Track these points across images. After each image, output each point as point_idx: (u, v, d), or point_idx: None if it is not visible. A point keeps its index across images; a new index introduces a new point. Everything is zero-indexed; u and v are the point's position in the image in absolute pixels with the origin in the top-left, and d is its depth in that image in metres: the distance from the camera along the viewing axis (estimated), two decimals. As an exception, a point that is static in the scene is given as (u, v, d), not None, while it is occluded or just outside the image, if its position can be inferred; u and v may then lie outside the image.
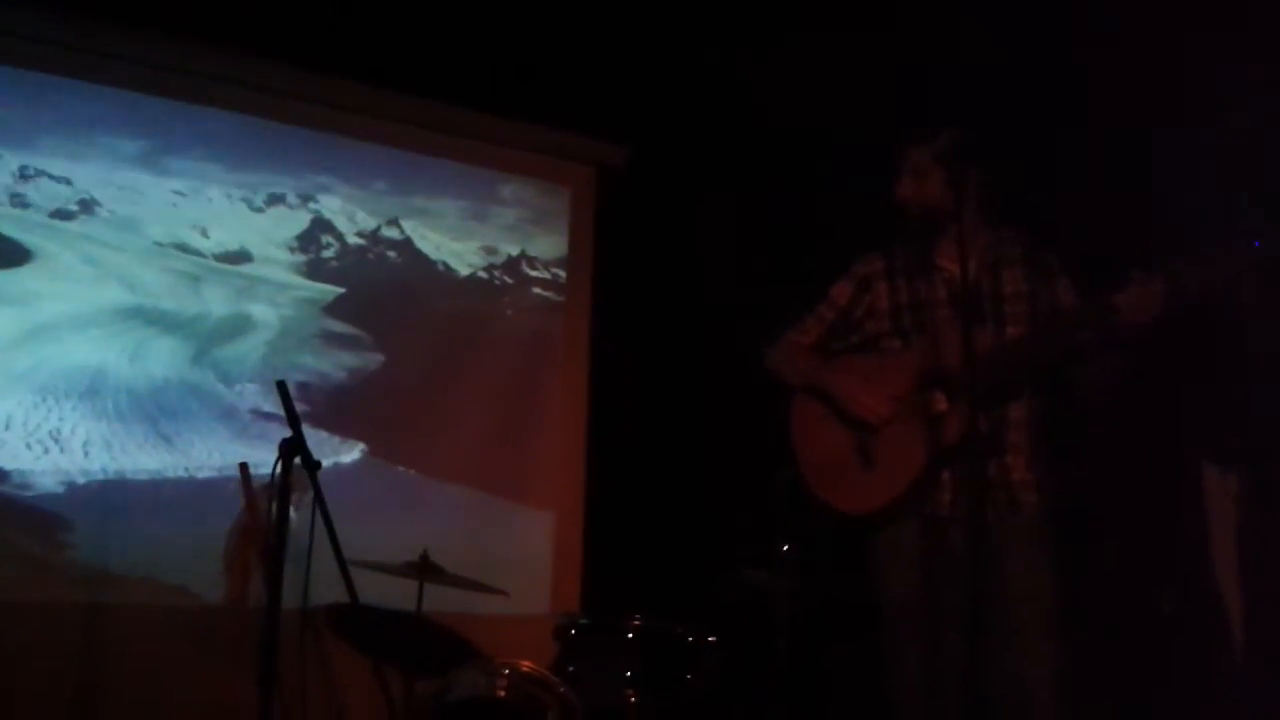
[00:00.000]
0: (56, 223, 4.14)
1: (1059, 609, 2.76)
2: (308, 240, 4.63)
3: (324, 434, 4.42)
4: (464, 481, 4.70)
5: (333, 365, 4.58)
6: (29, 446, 3.93)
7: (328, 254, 4.67)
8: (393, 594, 3.33)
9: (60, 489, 3.96)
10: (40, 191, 4.12)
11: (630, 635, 3.22)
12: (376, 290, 4.74)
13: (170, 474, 4.14)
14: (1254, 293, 3.37)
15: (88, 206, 4.21)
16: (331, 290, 4.65)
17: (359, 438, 4.53)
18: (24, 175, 4.10)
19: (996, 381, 2.76)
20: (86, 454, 4.01)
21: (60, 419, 4.00)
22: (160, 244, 4.33)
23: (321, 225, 4.66)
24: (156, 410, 4.18)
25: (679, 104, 4.87)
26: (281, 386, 2.83)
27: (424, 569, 3.31)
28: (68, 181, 4.17)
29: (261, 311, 4.48)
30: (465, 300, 4.94)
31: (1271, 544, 3.53)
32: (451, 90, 4.69)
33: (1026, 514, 2.83)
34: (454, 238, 4.93)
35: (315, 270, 4.63)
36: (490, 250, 5.01)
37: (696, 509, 4.53)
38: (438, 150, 4.89)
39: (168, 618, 3.95)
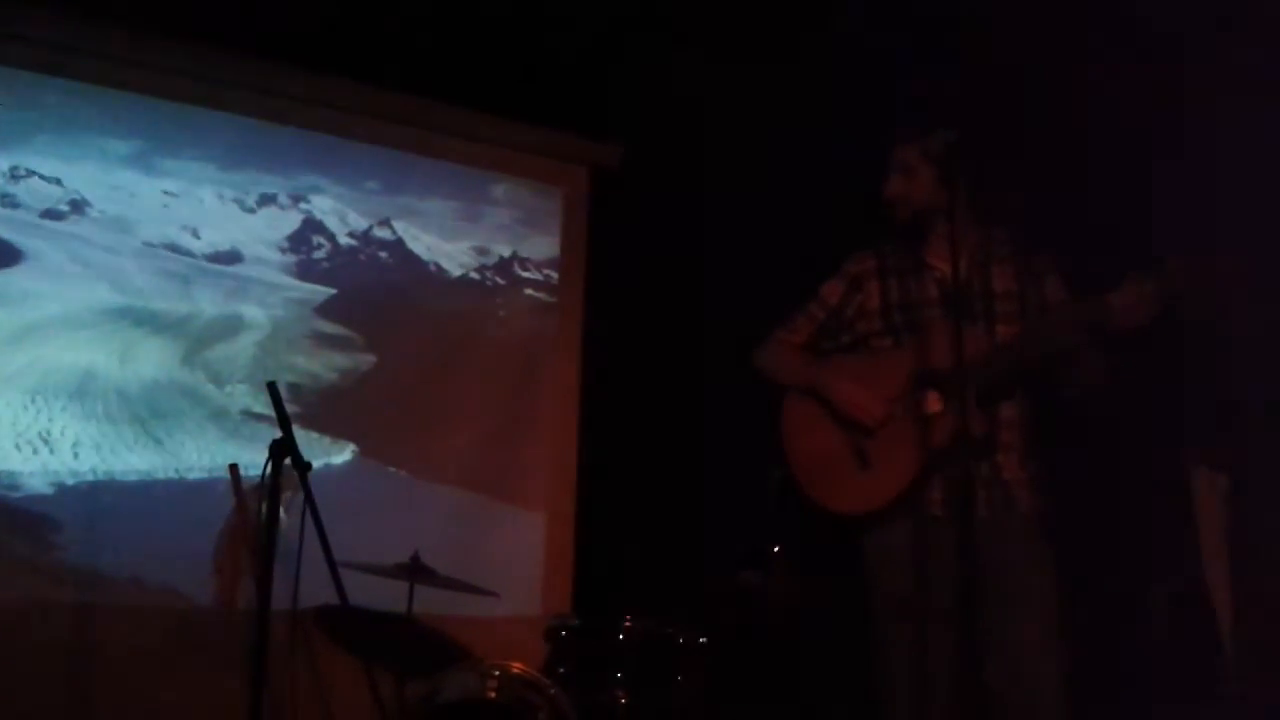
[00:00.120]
0: (47, 223, 4.13)
1: (1055, 607, 2.76)
2: (299, 241, 4.62)
3: (315, 435, 4.41)
4: (455, 483, 4.70)
5: (324, 366, 4.57)
6: (18, 447, 3.91)
7: (319, 254, 4.66)
8: (383, 595, 3.33)
9: (49, 490, 3.95)
10: (31, 191, 4.11)
11: (621, 636, 3.22)
12: (368, 291, 4.73)
13: (160, 475, 4.13)
14: (1244, 292, 3.38)
15: (78, 207, 4.20)
16: (323, 291, 4.64)
17: (350, 439, 4.53)
18: (14, 175, 4.09)
19: (989, 382, 2.76)
20: (76, 455, 4.00)
21: (50, 420, 3.99)
22: (151, 244, 4.32)
23: (313, 226, 4.65)
24: (146, 411, 4.17)
25: (672, 104, 4.86)
26: (272, 387, 2.83)
27: (414, 570, 3.30)
28: (58, 182, 4.17)
29: (252, 312, 4.47)
30: (457, 301, 4.93)
31: (1261, 544, 3.53)
32: (444, 90, 4.69)
33: (1021, 512, 2.83)
34: (446, 238, 4.93)
35: (306, 271, 4.62)
36: (482, 251, 5.01)
37: (687, 510, 4.53)
38: (430, 150, 4.89)
39: (157, 619, 3.94)
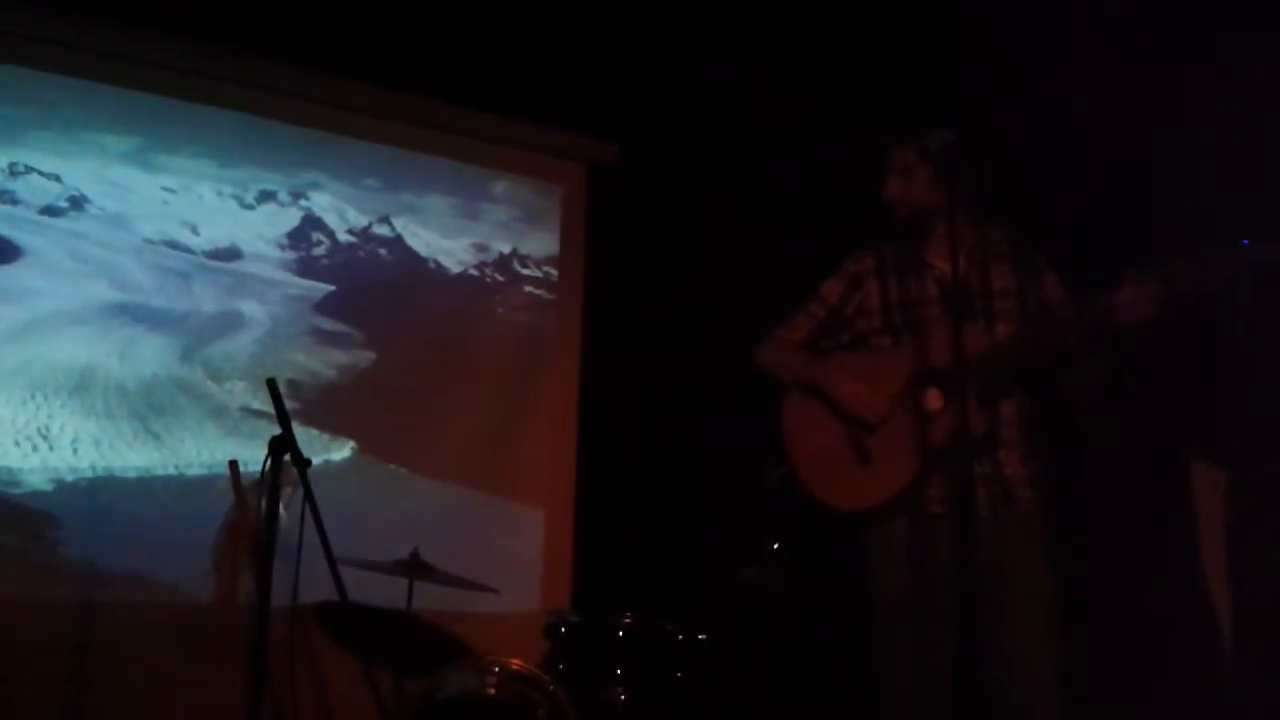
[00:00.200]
0: (46, 219, 4.13)
1: (1055, 605, 2.77)
2: (298, 237, 4.62)
3: (314, 432, 4.41)
4: (454, 479, 4.70)
5: (323, 363, 4.57)
6: (17, 444, 3.91)
7: (318, 251, 4.66)
8: (383, 592, 3.33)
9: (49, 486, 3.94)
10: (30, 188, 4.11)
11: (621, 633, 3.22)
12: (367, 288, 4.73)
13: (159, 471, 4.13)
14: (1245, 291, 3.38)
15: (77, 203, 4.20)
16: (322, 288, 4.64)
17: (349, 435, 4.53)
18: (13, 172, 4.09)
19: (991, 379, 2.76)
20: (75, 451, 4.00)
21: (49, 416, 3.98)
22: (150, 241, 4.32)
23: (312, 222, 4.65)
24: (146, 408, 4.16)
25: (670, 101, 4.87)
26: (271, 384, 2.83)
27: (414, 567, 3.30)
28: (57, 178, 4.16)
29: (252, 309, 4.46)
30: (456, 298, 4.93)
31: (1259, 540, 3.54)
32: (443, 87, 4.69)
33: (1022, 509, 2.83)
34: (445, 235, 4.93)
35: (306, 268, 4.62)
36: (481, 248, 5.00)
37: (687, 507, 4.53)
38: (429, 148, 4.88)
39: (156, 615, 3.94)
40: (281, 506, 2.73)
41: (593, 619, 3.30)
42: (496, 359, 4.90)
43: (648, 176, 4.96)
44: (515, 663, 3.04)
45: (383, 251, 4.80)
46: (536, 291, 5.09)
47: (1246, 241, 2.57)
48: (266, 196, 4.57)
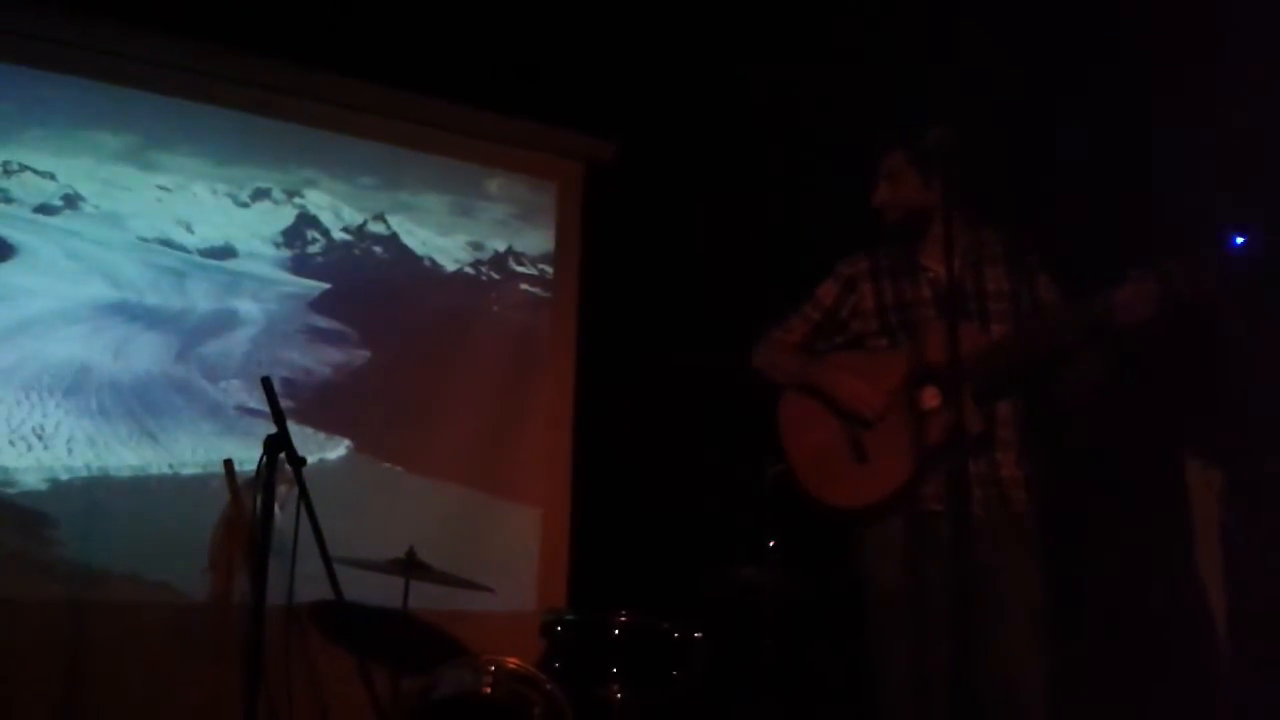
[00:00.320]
0: (40, 218, 4.12)
1: (1047, 606, 2.77)
2: (293, 236, 4.61)
3: (309, 430, 4.41)
4: (450, 478, 4.70)
5: (318, 361, 4.57)
6: (12, 443, 3.90)
7: (313, 249, 4.66)
8: (378, 591, 3.33)
9: (44, 486, 3.94)
10: (24, 186, 4.10)
11: (616, 632, 3.22)
12: (362, 286, 4.72)
13: (154, 470, 4.12)
14: (1240, 290, 3.39)
15: (72, 201, 4.19)
16: (317, 286, 4.63)
17: (344, 434, 4.52)
18: (7, 170, 4.08)
19: (988, 379, 2.76)
20: (70, 450, 3.99)
21: (44, 415, 3.98)
22: (145, 239, 4.31)
23: (307, 220, 4.65)
24: (141, 406, 4.16)
25: (667, 99, 4.86)
26: (266, 383, 2.82)
27: (410, 566, 3.30)
28: (52, 176, 4.15)
29: (247, 307, 4.46)
30: (452, 296, 4.93)
31: (1254, 539, 3.54)
32: (438, 85, 4.68)
33: (1016, 510, 2.84)
34: (440, 233, 4.92)
35: (301, 266, 4.61)
36: (477, 246, 5.00)
37: (683, 505, 4.53)
38: (424, 145, 4.88)
39: (152, 615, 3.94)
40: (277, 505, 2.73)
41: (589, 617, 3.30)
42: (492, 357, 4.90)
43: (644, 174, 4.96)
44: (511, 661, 3.04)
45: (378, 249, 4.79)
46: (532, 289, 5.09)
47: (1242, 238, 2.57)
48: (261, 194, 4.57)
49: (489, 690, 2.98)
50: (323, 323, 4.61)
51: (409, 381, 4.71)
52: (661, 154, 4.92)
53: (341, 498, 4.06)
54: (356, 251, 4.74)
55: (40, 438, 3.95)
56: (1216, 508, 3.63)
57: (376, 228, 4.79)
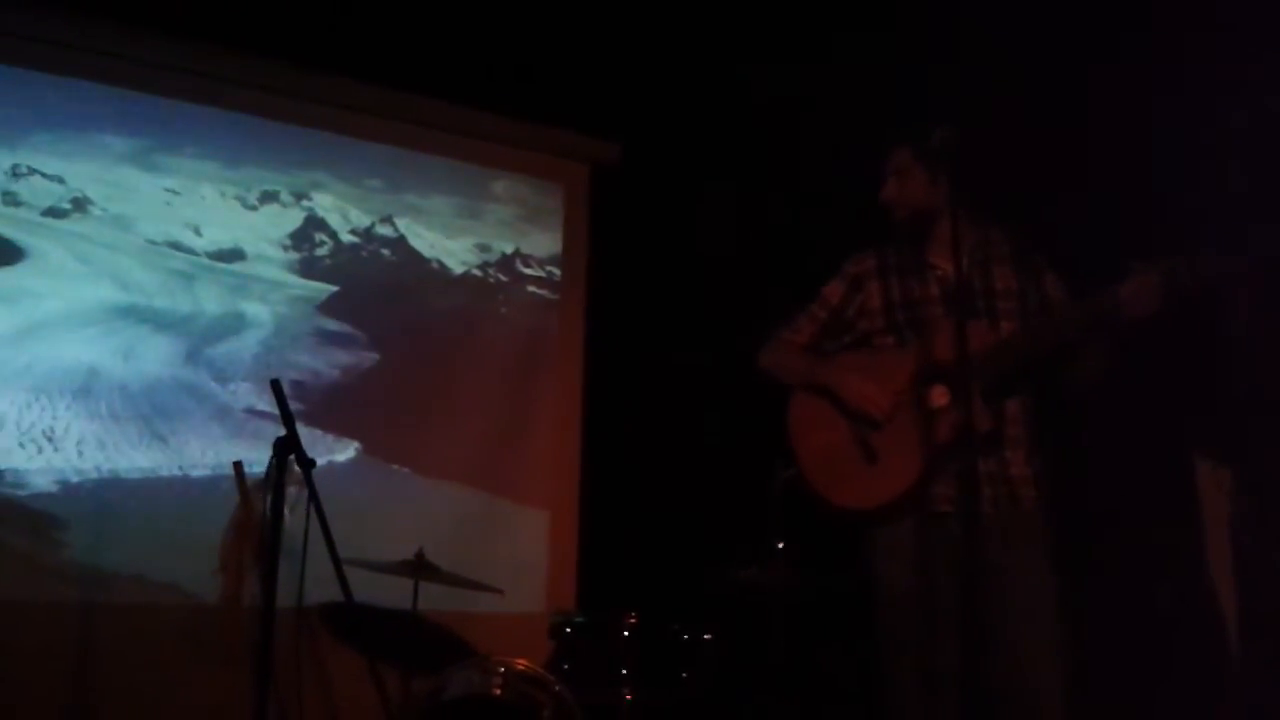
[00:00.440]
0: (49, 221, 4.14)
1: (1057, 605, 2.77)
2: (301, 238, 4.62)
3: (318, 432, 4.42)
4: (459, 479, 4.70)
5: (327, 363, 4.57)
6: (22, 445, 3.92)
7: (321, 252, 4.66)
8: (388, 592, 3.33)
9: (54, 488, 3.95)
10: (33, 189, 4.12)
11: (626, 633, 3.22)
12: (370, 288, 4.73)
13: (164, 473, 4.13)
14: (1250, 288, 3.38)
15: (81, 204, 4.20)
16: (325, 288, 4.64)
17: (353, 436, 4.53)
18: (16, 173, 4.09)
19: (997, 376, 2.76)
20: (80, 453, 4.00)
21: (54, 418, 3.99)
22: (153, 242, 4.32)
23: (315, 223, 4.66)
24: (150, 409, 4.17)
25: (672, 100, 4.87)
26: (276, 385, 2.82)
27: (419, 567, 3.30)
28: (60, 180, 4.17)
29: (255, 310, 4.47)
30: (459, 298, 4.94)
31: (1265, 539, 3.53)
32: (445, 87, 4.69)
33: (1026, 509, 2.83)
34: (448, 235, 4.93)
35: (309, 268, 4.62)
36: (484, 248, 5.01)
37: (691, 507, 4.53)
38: (431, 147, 4.89)
39: (162, 616, 3.95)
40: (286, 507, 2.73)
41: (598, 619, 3.30)
42: (500, 359, 4.91)
43: (650, 175, 4.96)
44: (520, 663, 3.04)
45: (385, 252, 4.80)
46: (539, 291, 5.09)
47: (1249, 239, 2.57)
48: (269, 197, 4.58)
49: (498, 691, 2.98)
50: (331, 325, 4.62)
51: (417, 383, 4.71)
52: (666, 155, 4.92)
53: (351, 500, 4.07)
54: (364, 254, 4.74)
55: (50, 440, 3.97)
56: (1226, 508, 3.62)
57: (384, 230, 4.79)
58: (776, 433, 3.09)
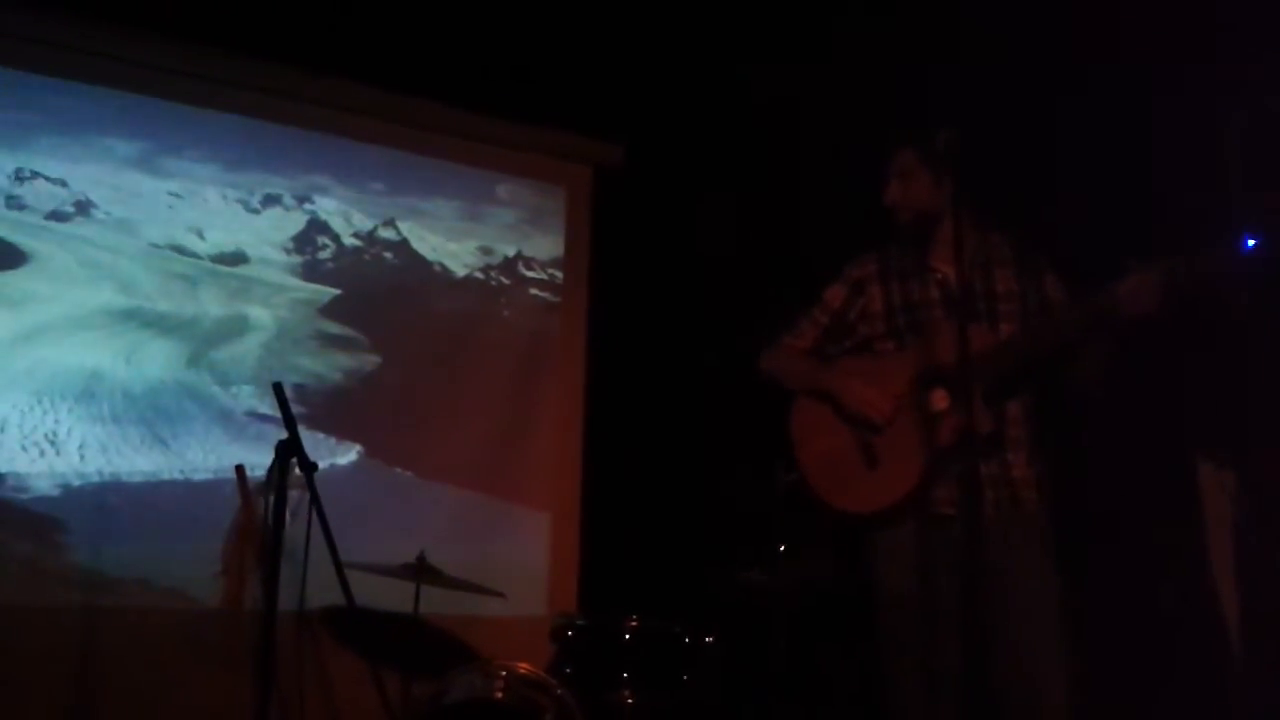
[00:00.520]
0: (52, 224, 4.14)
1: (1060, 607, 2.76)
2: (304, 241, 4.63)
3: (320, 436, 4.42)
4: (461, 483, 4.70)
5: (329, 367, 4.58)
6: (25, 449, 3.92)
7: (324, 255, 4.67)
8: (389, 596, 3.33)
9: (56, 491, 3.95)
10: (36, 193, 4.12)
11: (627, 636, 3.22)
12: (373, 291, 4.74)
13: (166, 476, 4.14)
14: (1251, 290, 3.37)
15: (83, 208, 4.20)
16: (328, 291, 4.64)
17: (355, 439, 4.53)
18: (19, 177, 4.09)
19: (997, 377, 2.76)
20: (82, 456, 4.01)
21: (56, 421, 3.99)
22: (156, 245, 4.33)
23: (318, 226, 4.66)
24: (152, 412, 4.17)
25: (674, 102, 4.87)
26: (278, 388, 2.83)
27: (421, 571, 3.30)
28: (63, 183, 4.17)
29: (258, 313, 4.47)
30: (462, 301, 4.94)
31: (1268, 542, 3.53)
32: (447, 90, 4.70)
33: (1028, 511, 2.83)
34: (450, 238, 4.93)
35: (311, 271, 4.62)
36: (487, 251, 5.01)
37: (693, 509, 4.53)
38: (434, 150, 4.89)
39: (163, 620, 3.95)
40: (288, 511, 2.73)
41: (599, 622, 3.29)
42: (502, 362, 4.91)
43: (652, 178, 4.96)
44: (522, 666, 3.04)
45: (388, 255, 4.80)
46: (542, 294, 5.10)
47: (1254, 240, 2.57)
48: (272, 200, 4.58)
49: (500, 695, 2.98)
50: (333, 328, 4.62)
51: (419, 386, 4.71)
52: (669, 157, 4.92)
53: (353, 503, 4.07)
54: (367, 257, 4.75)
55: (52, 443, 3.97)
56: (1229, 509, 3.62)
57: (386, 233, 4.80)
58: (778, 434, 3.09)
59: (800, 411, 3.07)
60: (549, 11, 4.60)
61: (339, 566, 2.79)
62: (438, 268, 4.90)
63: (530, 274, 5.09)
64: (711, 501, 4.50)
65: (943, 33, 4.24)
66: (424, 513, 4.55)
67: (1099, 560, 3.62)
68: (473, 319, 4.93)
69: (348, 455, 4.51)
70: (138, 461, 4.10)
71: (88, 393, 4.07)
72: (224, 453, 4.20)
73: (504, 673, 3.02)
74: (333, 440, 4.48)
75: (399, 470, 4.63)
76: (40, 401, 3.99)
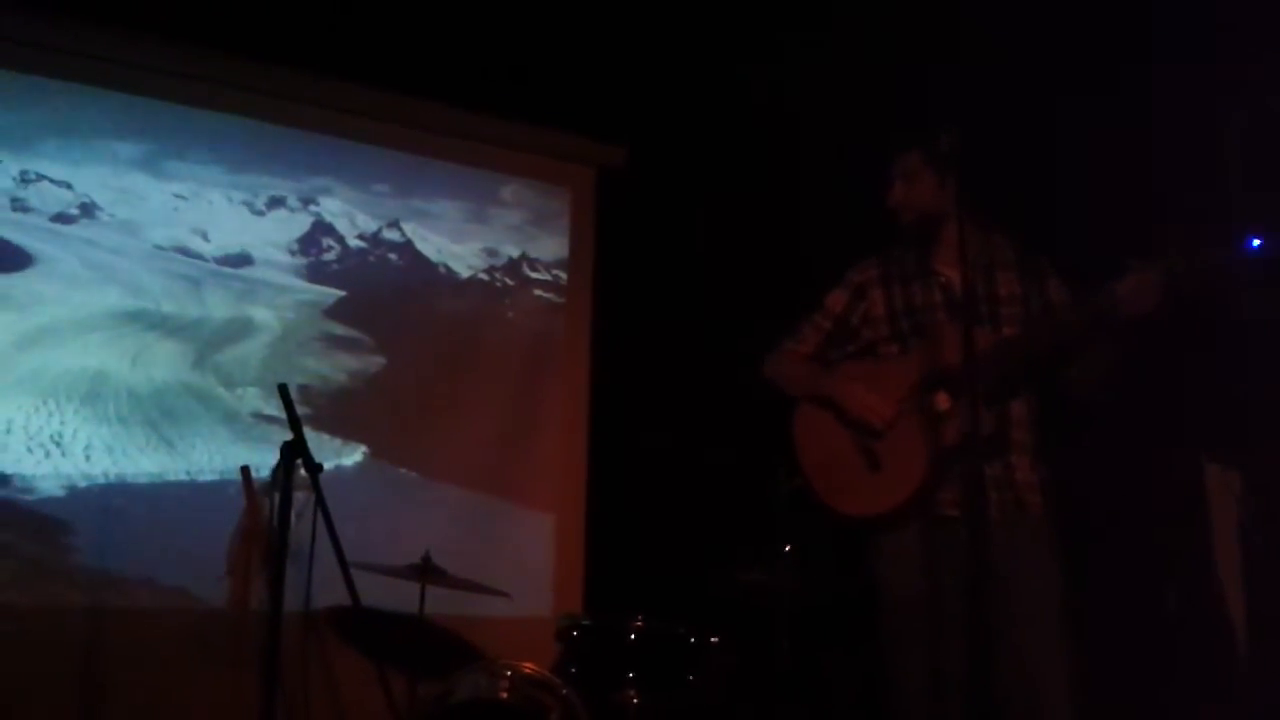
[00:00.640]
0: (57, 227, 4.15)
1: (1065, 610, 2.76)
2: (309, 243, 4.63)
3: (325, 437, 4.42)
4: (466, 483, 4.70)
5: (334, 368, 4.58)
6: (30, 450, 3.93)
7: (329, 257, 4.67)
8: (395, 596, 3.33)
9: (62, 493, 3.96)
10: (41, 195, 4.13)
11: (633, 636, 3.22)
12: (377, 293, 4.74)
13: (172, 477, 4.14)
14: (1256, 291, 3.37)
15: (88, 210, 4.21)
16: (332, 293, 4.65)
17: (360, 440, 4.53)
18: (25, 179, 4.10)
19: (998, 378, 2.75)
20: (88, 458, 4.01)
21: (62, 423, 4.00)
22: (161, 247, 4.33)
23: (322, 228, 4.66)
24: (158, 414, 4.18)
25: (678, 104, 4.87)
26: (283, 389, 2.84)
27: (426, 571, 3.31)
28: (68, 185, 4.18)
29: (262, 315, 4.48)
30: (466, 302, 4.94)
31: (1273, 543, 3.53)
32: (451, 92, 4.70)
33: (1032, 514, 2.82)
34: (455, 240, 4.93)
35: (316, 273, 4.63)
36: (491, 252, 5.01)
37: (698, 510, 4.53)
38: (438, 152, 4.89)
39: (169, 621, 3.95)
40: (293, 512, 2.74)
41: (605, 622, 3.29)
42: (506, 363, 4.91)
43: (656, 179, 4.96)
44: (528, 666, 3.04)
45: (393, 256, 4.81)
46: (546, 295, 5.10)
47: (1259, 241, 2.56)
48: (276, 202, 4.58)
49: (505, 695, 2.98)
50: (338, 329, 4.63)
51: (424, 388, 4.72)
52: (673, 158, 4.92)
53: (357, 504, 4.07)
54: (371, 258, 4.75)
55: (58, 445, 3.98)
56: (1235, 510, 3.61)
57: (391, 235, 4.80)
58: (782, 435, 3.09)
59: (802, 417, 3.07)
60: (552, 13, 4.61)
61: (344, 567, 2.80)
62: (442, 269, 4.90)
63: (534, 275, 5.10)
64: (715, 502, 4.50)
65: (943, 33, 4.24)
66: (429, 513, 4.55)
67: (1105, 561, 3.62)
68: (477, 320, 4.93)
69: (353, 456, 4.51)
70: (143, 463, 4.10)
71: (93, 394, 4.08)
72: (229, 454, 4.20)
73: (509, 673, 3.02)
74: (338, 441, 4.48)
75: (404, 471, 4.64)
76: (46, 403, 3.99)
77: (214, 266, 4.43)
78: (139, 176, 4.30)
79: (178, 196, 4.38)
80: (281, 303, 4.53)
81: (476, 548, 4.38)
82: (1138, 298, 2.61)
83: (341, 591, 2.83)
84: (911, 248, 3.02)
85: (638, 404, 4.77)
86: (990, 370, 2.70)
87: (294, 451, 2.74)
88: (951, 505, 2.81)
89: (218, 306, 4.39)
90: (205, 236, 4.43)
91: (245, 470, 3.93)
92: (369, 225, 4.75)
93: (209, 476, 4.19)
